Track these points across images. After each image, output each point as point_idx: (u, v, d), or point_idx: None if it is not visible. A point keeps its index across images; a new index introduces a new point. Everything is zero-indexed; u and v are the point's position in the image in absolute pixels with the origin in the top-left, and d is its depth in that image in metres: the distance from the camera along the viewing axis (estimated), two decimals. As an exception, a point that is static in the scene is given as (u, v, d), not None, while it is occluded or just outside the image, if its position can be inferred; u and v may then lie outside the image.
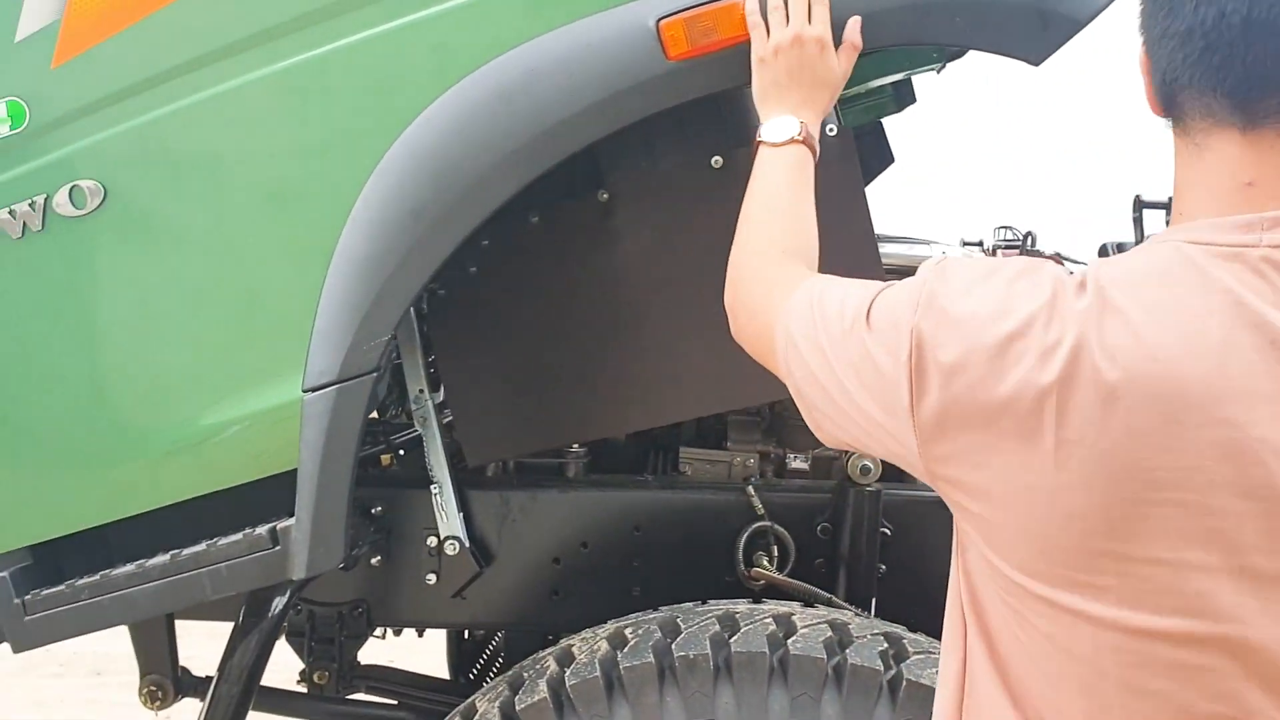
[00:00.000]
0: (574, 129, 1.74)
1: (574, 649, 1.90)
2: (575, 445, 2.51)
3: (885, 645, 1.78)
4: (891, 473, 2.60)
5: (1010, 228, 3.02)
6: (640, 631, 1.85)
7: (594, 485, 2.49)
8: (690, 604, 1.99)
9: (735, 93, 2.12)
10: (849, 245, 2.15)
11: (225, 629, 2.35)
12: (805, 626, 1.80)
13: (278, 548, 1.87)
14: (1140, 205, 2.51)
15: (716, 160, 2.16)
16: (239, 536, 1.90)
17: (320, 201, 1.84)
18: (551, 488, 2.47)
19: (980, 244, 3.02)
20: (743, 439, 2.65)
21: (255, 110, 1.91)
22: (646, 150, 2.18)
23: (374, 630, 2.64)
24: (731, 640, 1.77)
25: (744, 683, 1.71)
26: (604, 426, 2.35)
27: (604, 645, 1.86)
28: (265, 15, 1.88)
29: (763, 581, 2.33)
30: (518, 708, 1.87)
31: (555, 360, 2.30)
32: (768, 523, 2.39)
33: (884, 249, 2.84)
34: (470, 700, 2.00)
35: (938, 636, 2.19)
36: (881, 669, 1.74)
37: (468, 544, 2.37)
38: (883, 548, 2.42)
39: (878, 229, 2.39)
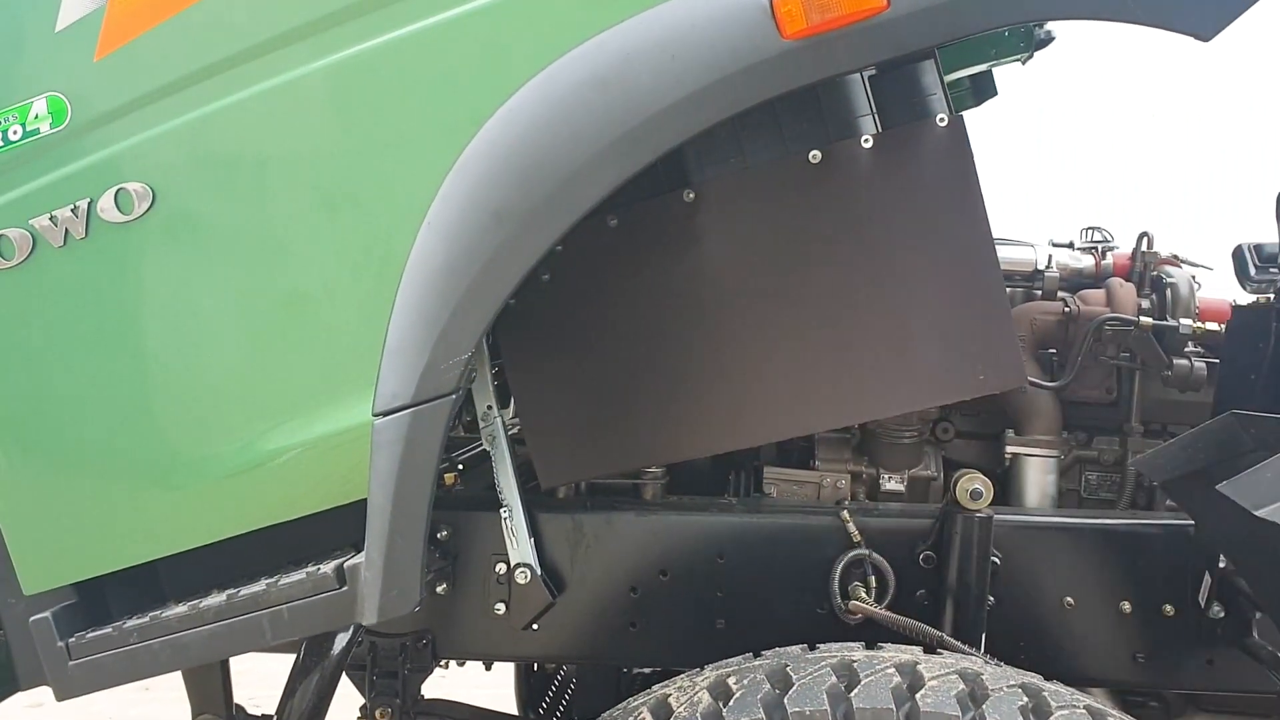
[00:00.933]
0: (677, 119, 1.55)
1: (671, 699, 1.71)
2: (653, 466, 2.33)
3: (1025, 699, 1.59)
4: (1000, 496, 2.41)
5: (1098, 228, 2.82)
6: (746, 682, 1.66)
7: (673, 508, 2.31)
8: (798, 649, 1.79)
9: (835, 79, 1.95)
10: (966, 240, 1.95)
11: (284, 662, 2.18)
12: (934, 678, 1.60)
13: (345, 588, 1.69)
14: None
15: (815, 155, 1.96)
16: (302, 575, 1.72)
17: (391, 204, 1.66)
18: (628, 511, 2.29)
19: (1070, 244, 2.82)
20: (832, 458, 2.46)
21: (315, 105, 1.73)
22: (736, 145, 1.99)
23: (439, 662, 2.46)
24: (852, 694, 1.58)
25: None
26: (688, 448, 2.15)
27: (705, 697, 1.67)
28: (322, 1, 1.70)
29: (860, 616, 2.14)
30: None
31: (635, 375, 2.12)
32: (865, 550, 2.20)
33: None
34: None
35: (1048, 675, 2.02)
36: None
37: (539, 571, 2.19)
38: (991, 578, 2.22)
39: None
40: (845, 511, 2.24)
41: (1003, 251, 2.61)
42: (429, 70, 1.66)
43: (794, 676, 1.64)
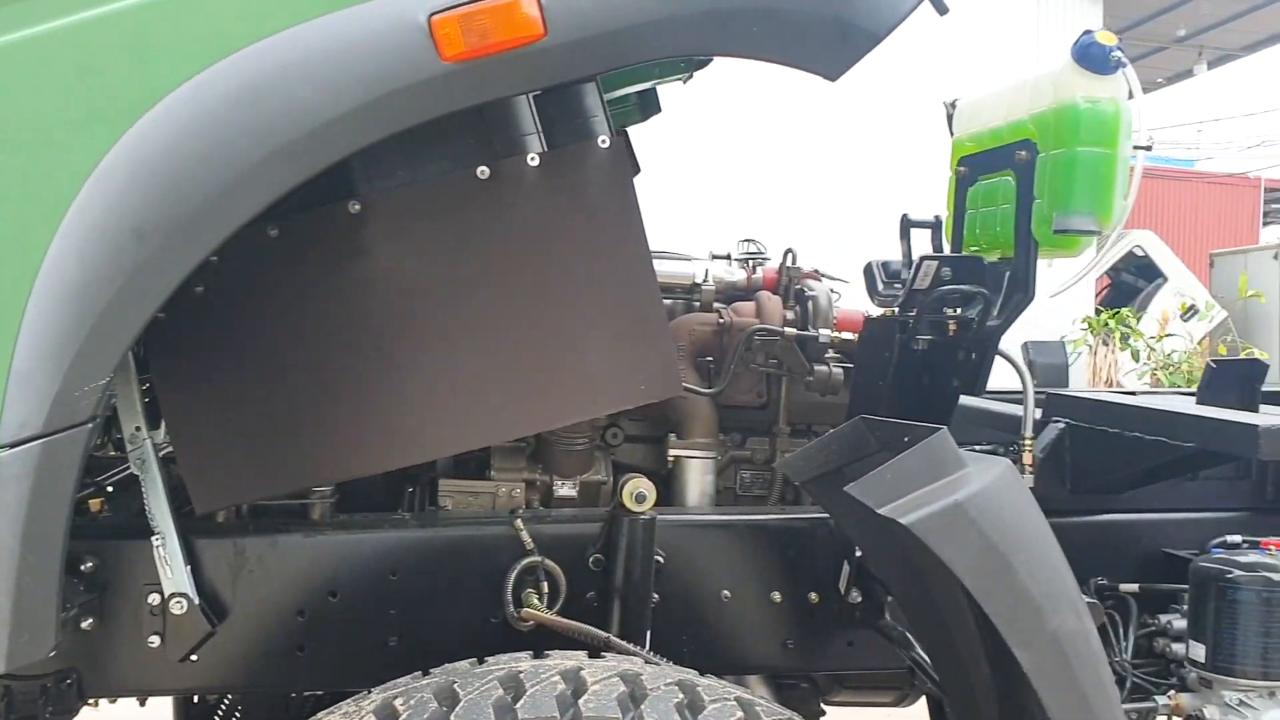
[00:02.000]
0: (335, 135, 1.52)
1: None
2: (316, 486, 2.26)
3: (680, 696, 1.67)
4: (664, 496, 2.52)
5: (752, 240, 3.01)
6: (413, 703, 1.65)
7: (342, 527, 2.25)
8: (466, 664, 1.80)
9: (503, 98, 1.97)
10: (625, 257, 2.02)
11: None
12: (596, 682, 1.65)
13: None
14: (907, 225, 2.53)
15: (483, 172, 1.97)
16: None
17: (23, 209, 1.52)
18: (294, 532, 2.21)
19: (727, 257, 2.99)
20: (507, 467, 2.49)
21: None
22: (405, 158, 1.97)
23: (86, 702, 2.28)
24: (518, 706, 1.60)
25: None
26: (352, 466, 2.10)
27: None
28: None
29: (532, 623, 2.18)
30: None
31: (295, 392, 2.05)
32: (538, 557, 2.24)
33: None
34: None
35: (713, 668, 2.14)
36: None
37: (197, 600, 2.08)
38: (656, 576, 2.31)
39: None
40: (518, 520, 2.27)
41: (664, 266, 2.73)
42: (71, 66, 1.54)
43: (461, 693, 1.64)
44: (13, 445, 1.50)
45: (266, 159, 1.49)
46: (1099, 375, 12.82)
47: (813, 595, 2.36)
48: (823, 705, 2.84)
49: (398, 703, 1.66)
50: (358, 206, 1.97)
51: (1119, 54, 1.92)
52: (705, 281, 2.64)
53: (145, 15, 1.51)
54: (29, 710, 2.16)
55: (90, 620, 2.10)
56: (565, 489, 2.51)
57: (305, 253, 2.00)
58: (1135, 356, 13.34)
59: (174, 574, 2.06)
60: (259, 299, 2.02)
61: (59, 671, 2.14)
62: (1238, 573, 2.07)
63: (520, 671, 1.70)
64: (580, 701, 1.60)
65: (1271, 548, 2.35)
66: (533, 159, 1.98)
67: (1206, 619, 2.10)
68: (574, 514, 2.39)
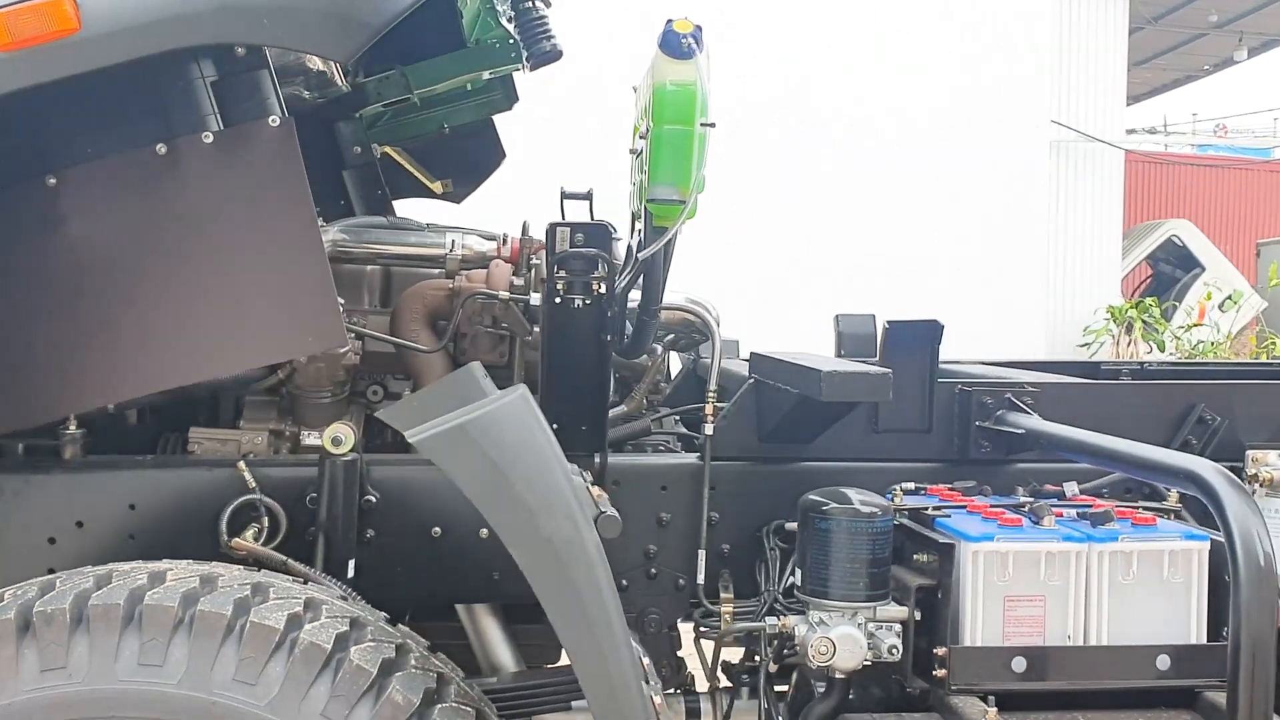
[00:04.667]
0: None
1: None
2: (71, 427, 2.58)
3: (247, 590, 1.97)
4: (374, 445, 2.80)
5: (526, 223, 3.17)
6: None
7: (89, 467, 2.58)
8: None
9: (180, 83, 2.28)
10: (292, 224, 2.30)
11: None
12: (175, 579, 1.97)
13: None
14: (563, 196, 2.76)
15: (161, 148, 2.28)
16: None
17: None
18: (47, 470, 2.55)
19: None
20: (255, 417, 2.78)
21: None
22: (90, 136, 2.28)
23: None
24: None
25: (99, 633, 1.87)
26: (82, 400, 2.42)
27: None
28: None
29: (244, 553, 2.47)
30: None
31: (29, 339, 2.37)
32: (255, 496, 2.53)
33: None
34: None
35: (428, 599, 2.38)
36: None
37: (-49, 529, 2.42)
38: (369, 515, 2.59)
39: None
40: (242, 463, 2.57)
41: (413, 237, 3.02)
42: None
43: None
44: None
45: None
46: (1120, 365, 12.71)
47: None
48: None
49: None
50: (54, 180, 2.29)
51: (691, 40, 2.14)
52: (451, 251, 2.91)
53: None
54: None
55: None
56: (313, 439, 2.79)
57: (18, 218, 2.32)
58: (1160, 346, 13.21)
59: (-69, 499, 2.40)
60: None
61: None
62: (831, 505, 2.27)
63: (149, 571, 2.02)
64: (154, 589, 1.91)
65: (935, 495, 2.55)
66: (208, 136, 2.28)
67: (805, 548, 2.31)
68: (295, 459, 2.68)
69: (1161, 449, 2.11)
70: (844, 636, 2.19)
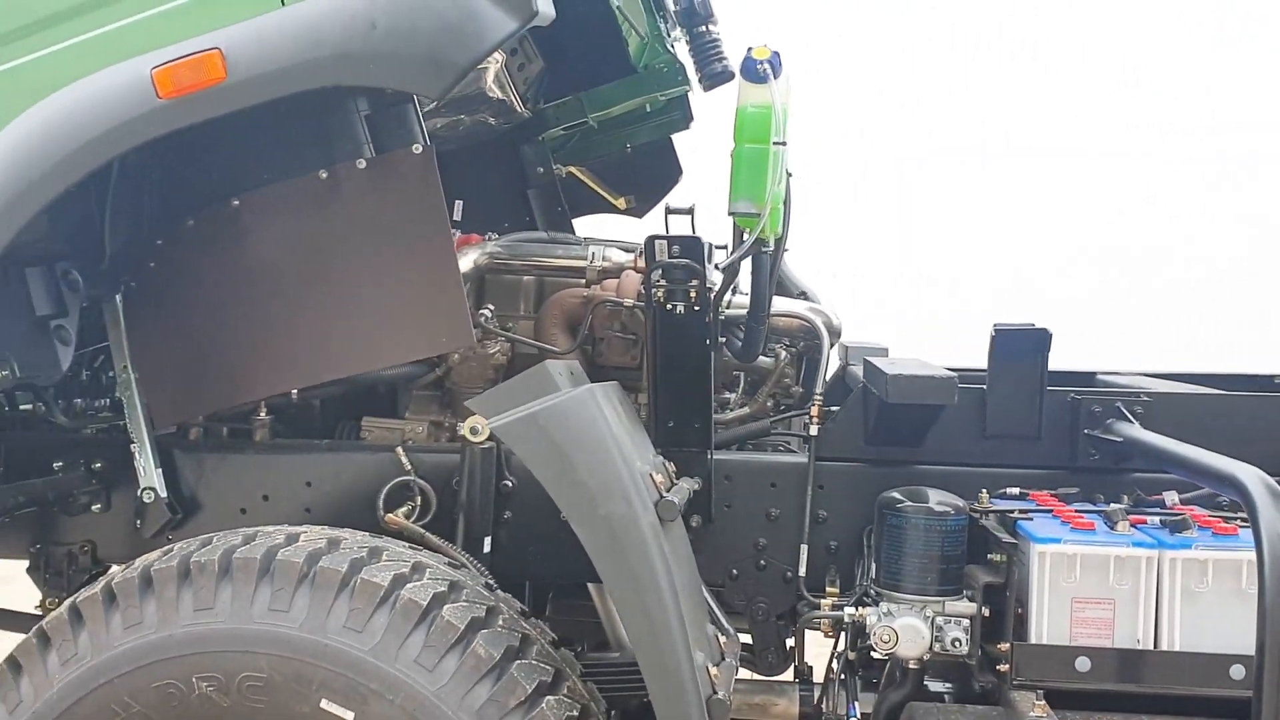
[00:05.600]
0: (85, 156, 2.22)
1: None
2: (261, 413, 3.01)
3: (365, 552, 2.31)
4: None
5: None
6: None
7: (275, 449, 3.00)
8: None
9: (340, 117, 2.66)
10: (431, 240, 2.62)
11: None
12: (308, 541, 2.34)
13: None
14: (668, 212, 2.95)
15: (323, 174, 2.65)
16: None
17: None
18: (239, 450, 2.99)
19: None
20: (419, 409, 3.15)
21: None
22: (267, 165, 2.69)
23: (100, 565, 3.16)
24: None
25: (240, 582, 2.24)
26: (257, 389, 2.83)
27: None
28: None
29: (396, 527, 2.82)
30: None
31: (218, 338, 2.81)
32: (410, 478, 2.88)
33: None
34: None
35: (560, 576, 2.64)
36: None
37: (164, 494, 2.88)
38: (508, 498, 2.89)
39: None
40: (400, 448, 2.92)
41: (563, 250, 3.30)
42: None
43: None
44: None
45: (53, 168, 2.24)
46: None
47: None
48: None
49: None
50: (236, 202, 2.71)
51: (766, 66, 2.30)
52: (591, 263, 3.17)
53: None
54: (58, 567, 3.06)
55: (98, 505, 2.97)
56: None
57: (213, 235, 2.76)
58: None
59: (146, 472, 2.87)
60: (187, 270, 2.80)
61: (81, 542, 3.03)
62: (905, 503, 2.36)
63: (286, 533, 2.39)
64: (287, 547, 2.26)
65: (1034, 500, 2.59)
66: (361, 163, 2.64)
67: (881, 542, 2.41)
68: (446, 446, 3.01)
69: (1214, 454, 2.09)
70: (906, 627, 2.29)
